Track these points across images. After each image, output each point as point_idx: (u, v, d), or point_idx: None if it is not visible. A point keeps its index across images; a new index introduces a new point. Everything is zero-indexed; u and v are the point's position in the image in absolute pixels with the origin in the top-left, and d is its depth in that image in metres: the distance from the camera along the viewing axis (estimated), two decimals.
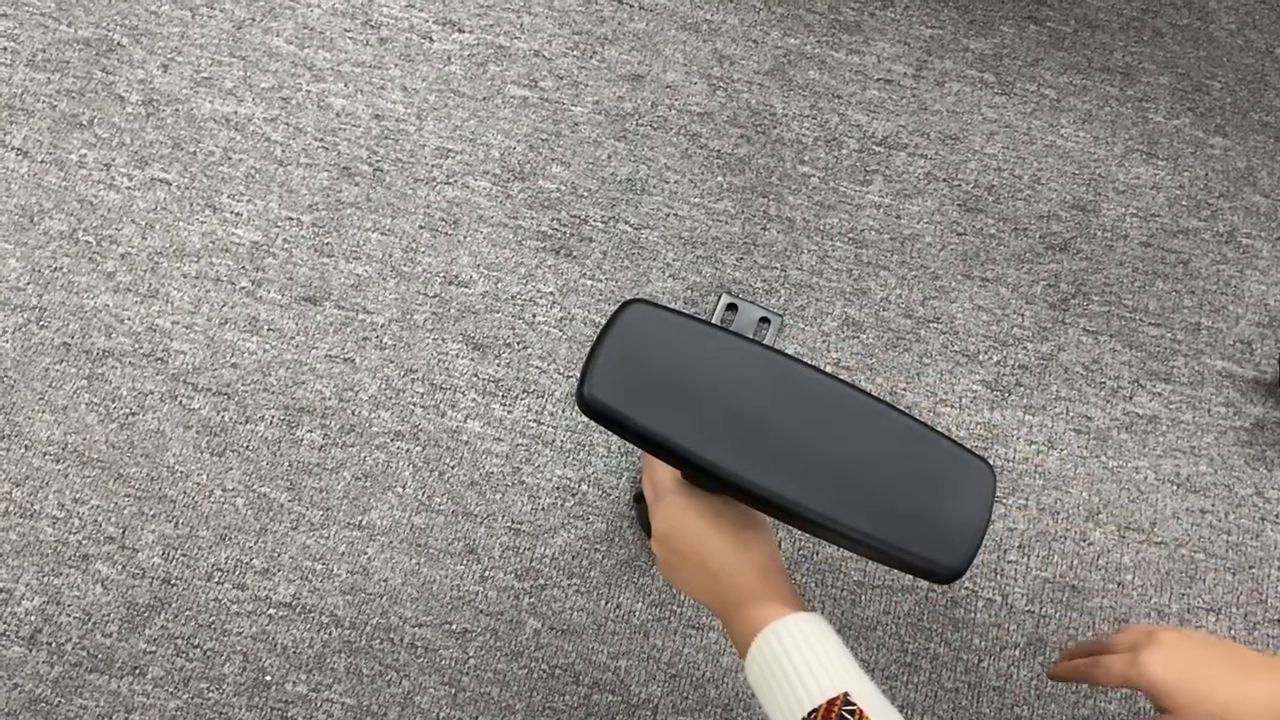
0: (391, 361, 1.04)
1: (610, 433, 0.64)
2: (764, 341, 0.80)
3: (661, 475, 0.66)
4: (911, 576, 1.01)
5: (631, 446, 1.03)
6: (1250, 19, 1.26)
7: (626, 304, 0.57)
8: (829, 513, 0.54)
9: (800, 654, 0.55)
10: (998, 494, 1.03)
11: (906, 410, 0.58)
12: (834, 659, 0.55)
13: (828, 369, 1.07)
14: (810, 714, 0.52)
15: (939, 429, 0.58)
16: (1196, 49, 1.24)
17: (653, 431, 0.55)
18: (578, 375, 1.05)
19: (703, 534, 0.63)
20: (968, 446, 0.58)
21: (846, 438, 0.56)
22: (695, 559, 0.63)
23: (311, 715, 0.94)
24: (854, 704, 0.52)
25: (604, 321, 1.07)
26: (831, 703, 0.52)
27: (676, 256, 1.10)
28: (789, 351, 1.07)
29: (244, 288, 1.06)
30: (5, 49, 1.13)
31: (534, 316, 1.07)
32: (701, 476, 0.60)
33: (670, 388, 0.55)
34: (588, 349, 1.06)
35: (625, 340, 0.56)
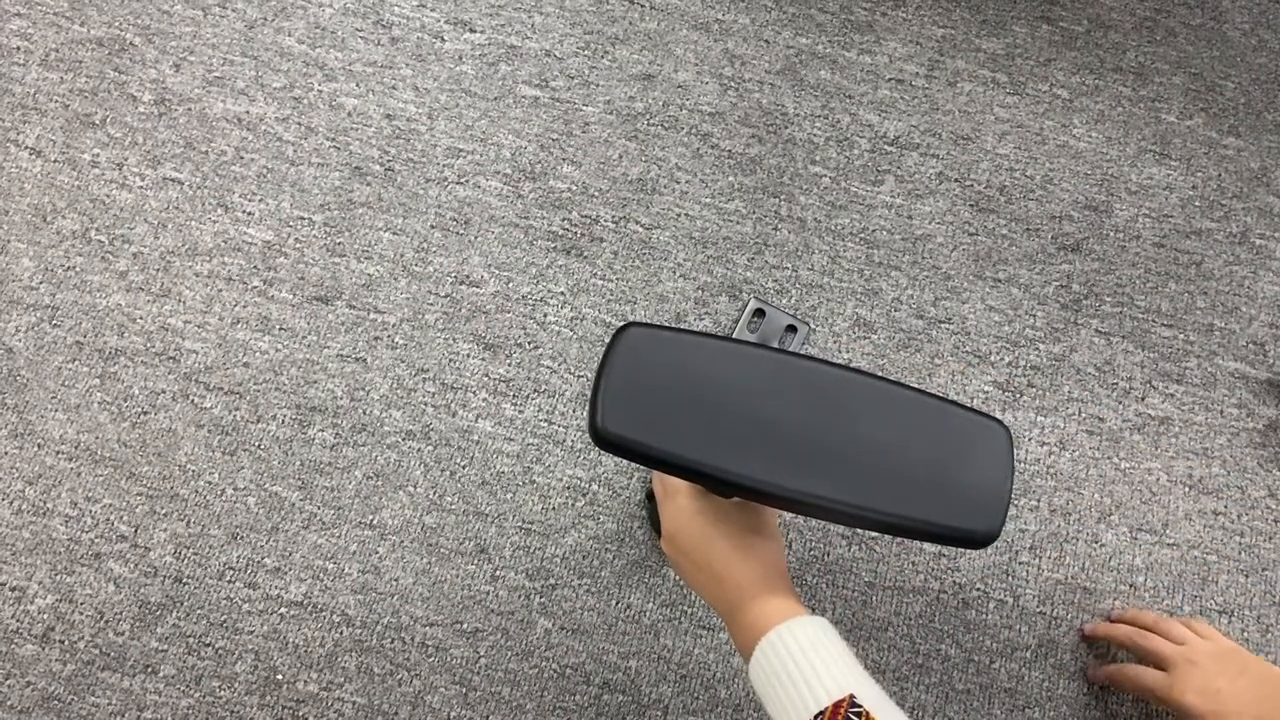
0: (403, 361, 1.04)
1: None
2: (790, 349, 0.80)
3: (671, 475, 0.66)
4: (929, 569, 1.00)
5: None
6: (1264, 19, 1.26)
7: (622, 329, 0.57)
8: (858, 503, 0.54)
9: (805, 656, 0.55)
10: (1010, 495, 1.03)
11: (912, 385, 0.58)
12: (839, 661, 0.55)
13: None
14: (817, 716, 0.52)
15: (948, 397, 0.58)
16: (1210, 49, 1.24)
17: (674, 455, 0.54)
18: (590, 374, 1.05)
19: (708, 537, 0.63)
20: (980, 409, 0.59)
21: (860, 423, 0.56)
22: (700, 561, 0.63)
23: (323, 714, 0.94)
24: (860, 706, 0.52)
25: (617, 321, 1.07)
26: (838, 705, 0.52)
27: (687, 256, 1.10)
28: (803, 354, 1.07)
29: (256, 287, 1.06)
30: (18, 48, 1.13)
31: (545, 316, 1.07)
32: (723, 487, 0.60)
33: (681, 406, 0.55)
34: (600, 348, 1.06)
35: (627, 366, 0.56)
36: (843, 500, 0.54)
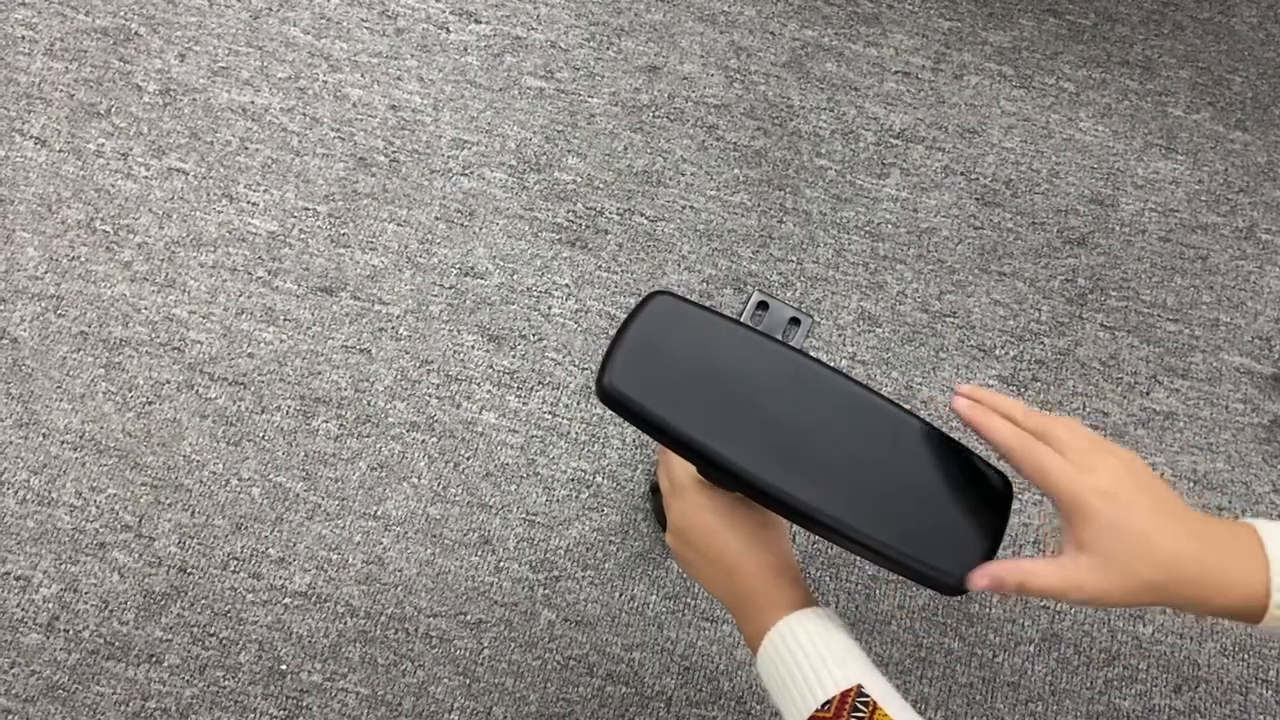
0: (407, 352, 1.04)
1: (627, 423, 0.63)
2: (792, 343, 0.79)
3: (678, 470, 0.66)
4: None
5: (646, 438, 1.03)
6: (1272, 12, 1.25)
7: (652, 295, 0.57)
8: (839, 516, 0.54)
9: (814, 648, 0.55)
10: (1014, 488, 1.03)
11: (925, 418, 0.57)
12: (847, 653, 0.55)
13: (844, 363, 1.07)
14: (824, 705, 0.52)
15: (958, 439, 0.57)
16: (1217, 43, 1.23)
17: (669, 425, 0.54)
18: (594, 367, 1.05)
19: (717, 531, 0.63)
20: (987, 460, 0.58)
21: (862, 443, 0.55)
22: (709, 555, 0.63)
23: (326, 704, 0.94)
24: (868, 695, 0.52)
25: (621, 314, 1.07)
26: (845, 694, 0.52)
27: (692, 249, 1.10)
28: (809, 347, 1.07)
29: (260, 278, 1.06)
30: (24, 38, 1.13)
31: (549, 308, 1.07)
32: (716, 474, 0.60)
33: (690, 382, 0.55)
34: (604, 340, 1.06)
35: (648, 331, 0.56)
36: (821, 510, 0.53)
